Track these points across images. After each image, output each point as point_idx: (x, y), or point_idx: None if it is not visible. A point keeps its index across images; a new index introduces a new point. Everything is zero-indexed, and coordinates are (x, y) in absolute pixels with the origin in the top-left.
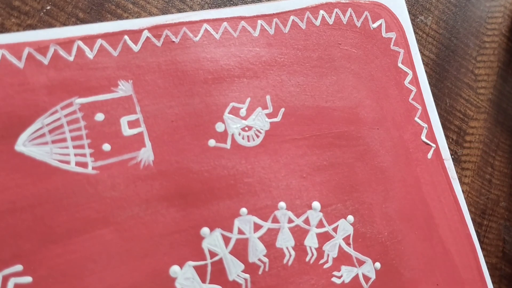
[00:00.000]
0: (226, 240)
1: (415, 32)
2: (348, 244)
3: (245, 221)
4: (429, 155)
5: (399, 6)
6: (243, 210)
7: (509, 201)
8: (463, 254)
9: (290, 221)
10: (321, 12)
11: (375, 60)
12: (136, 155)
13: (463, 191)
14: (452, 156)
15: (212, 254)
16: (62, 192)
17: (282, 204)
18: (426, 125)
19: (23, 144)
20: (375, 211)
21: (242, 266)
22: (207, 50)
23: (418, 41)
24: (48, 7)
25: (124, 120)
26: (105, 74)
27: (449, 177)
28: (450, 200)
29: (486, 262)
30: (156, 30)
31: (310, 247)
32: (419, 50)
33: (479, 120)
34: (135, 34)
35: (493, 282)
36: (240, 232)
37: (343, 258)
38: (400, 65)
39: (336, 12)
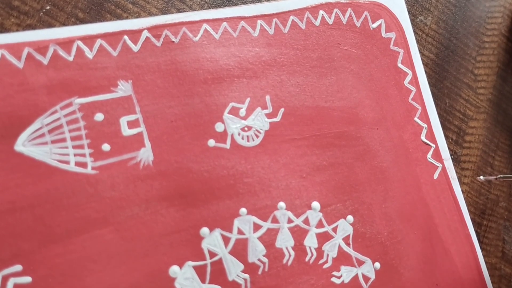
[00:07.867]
0: (226, 240)
1: (415, 32)
2: (348, 244)
3: (244, 221)
4: (429, 155)
5: (398, 6)
6: (243, 210)
7: (508, 201)
8: (463, 254)
9: (289, 221)
10: (321, 12)
11: (375, 60)
12: (135, 155)
13: (462, 191)
14: (452, 156)
15: (212, 254)
16: (62, 192)
17: (281, 204)
18: (425, 125)
19: (23, 144)
20: (375, 211)
21: (242, 266)
22: (207, 50)
23: (417, 41)
24: (48, 7)
25: (123, 120)
26: (105, 74)
27: (448, 177)
28: (450, 200)
29: (486, 262)
30: (155, 30)
31: (310, 247)
32: (419, 50)
33: (478, 120)
34: (134, 34)
35: (493, 282)
36: (240, 232)
37: (342, 258)
38: (399, 65)
39: (336, 12)
